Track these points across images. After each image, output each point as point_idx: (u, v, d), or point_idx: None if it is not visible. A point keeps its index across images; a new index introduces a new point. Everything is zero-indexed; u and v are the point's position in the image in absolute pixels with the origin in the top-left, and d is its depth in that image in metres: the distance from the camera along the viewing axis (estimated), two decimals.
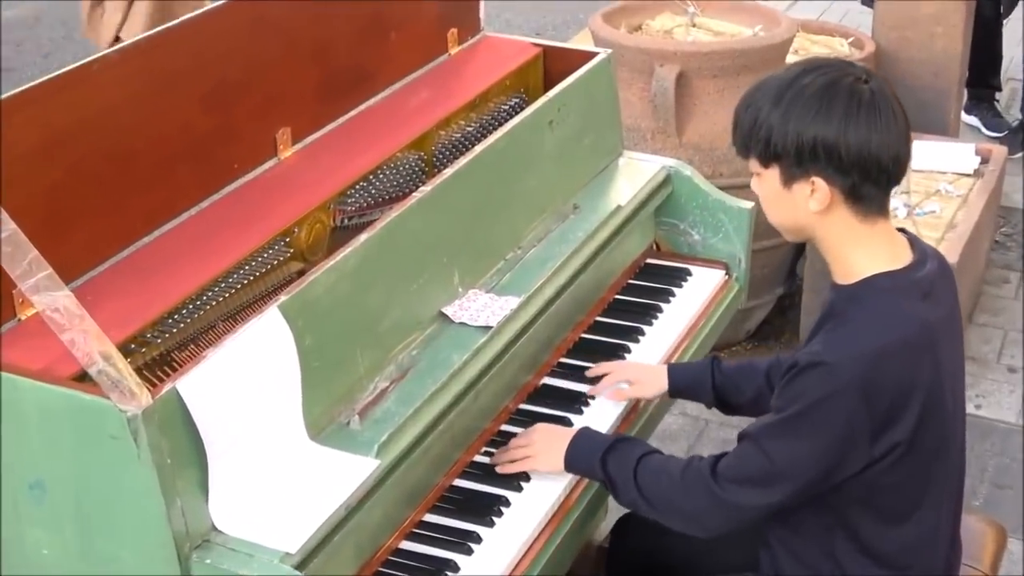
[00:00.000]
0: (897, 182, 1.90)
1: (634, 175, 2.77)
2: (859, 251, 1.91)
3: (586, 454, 2.08)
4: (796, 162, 1.86)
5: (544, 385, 2.37)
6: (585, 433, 2.13)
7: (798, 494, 1.90)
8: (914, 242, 1.97)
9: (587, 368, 2.39)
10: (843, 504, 1.92)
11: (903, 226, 3.94)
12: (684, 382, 2.33)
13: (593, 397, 2.33)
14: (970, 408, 3.72)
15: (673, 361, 2.49)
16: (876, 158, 1.84)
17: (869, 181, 1.86)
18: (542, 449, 2.11)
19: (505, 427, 2.24)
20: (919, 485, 1.93)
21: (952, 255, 3.64)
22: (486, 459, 2.17)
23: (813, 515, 1.95)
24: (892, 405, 1.83)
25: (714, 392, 2.30)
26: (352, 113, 2.56)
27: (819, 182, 1.86)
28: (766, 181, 1.93)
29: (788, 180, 1.89)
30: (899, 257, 1.92)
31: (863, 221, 1.89)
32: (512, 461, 2.12)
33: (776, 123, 1.86)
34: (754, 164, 1.93)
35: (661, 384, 2.32)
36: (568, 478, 2.13)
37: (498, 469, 2.12)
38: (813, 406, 1.84)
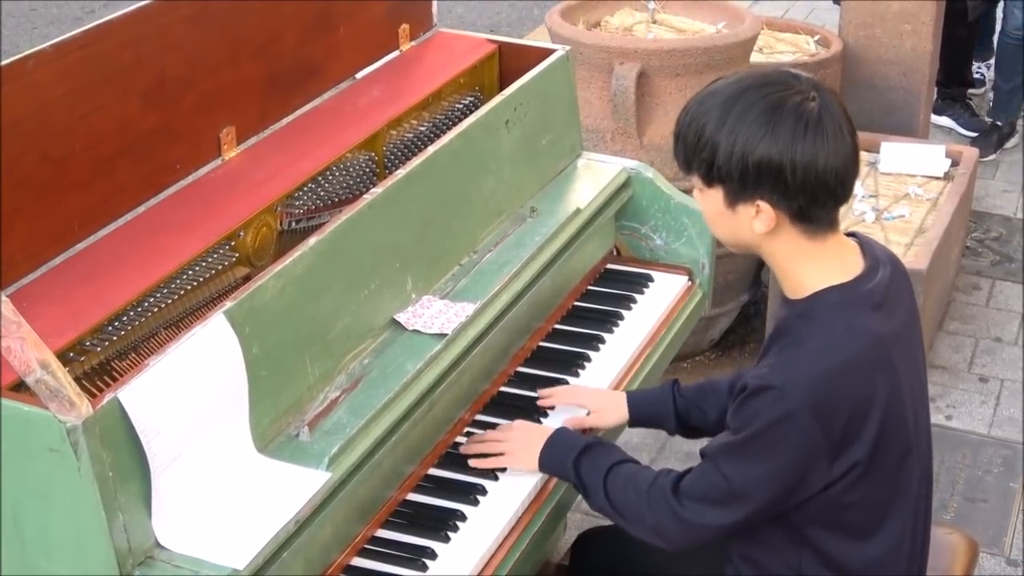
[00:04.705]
0: (845, 201, 1.93)
1: (594, 177, 2.81)
2: (807, 267, 1.94)
3: (560, 456, 2.15)
4: (741, 186, 1.89)
5: (501, 395, 2.40)
6: (561, 435, 2.19)
7: (759, 513, 1.95)
8: (865, 248, 2.00)
9: (545, 377, 2.43)
10: (807, 522, 1.96)
11: (871, 231, 4.02)
12: (644, 411, 2.36)
13: (552, 408, 2.36)
14: (940, 419, 3.80)
15: (635, 370, 2.54)
16: (823, 182, 1.86)
17: (816, 204, 1.89)
18: (518, 447, 2.19)
19: (461, 439, 2.27)
20: (883, 501, 1.97)
21: (921, 261, 3.72)
22: (441, 472, 2.20)
23: (778, 532, 1.99)
24: (848, 424, 1.87)
25: (676, 418, 2.33)
26: (299, 112, 2.58)
27: (764, 205, 1.89)
28: (709, 199, 1.95)
29: (732, 202, 1.92)
30: (849, 268, 1.95)
31: (811, 239, 1.93)
32: (486, 455, 2.19)
33: (720, 145, 1.88)
34: (696, 181, 1.96)
35: (621, 413, 2.35)
36: (526, 490, 2.16)
37: (471, 463, 2.19)
38: (766, 429, 1.88)
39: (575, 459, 2.12)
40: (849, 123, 1.91)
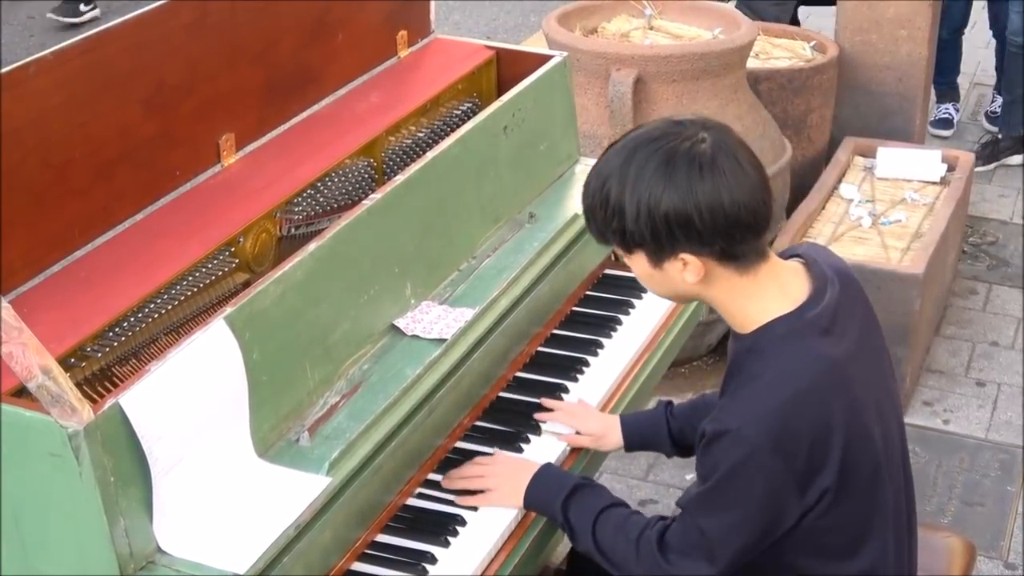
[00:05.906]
0: (765, 230, 1.91)
1: None
2: (750, 302, 1.93)
3: (547, 497, 2.12)
4: (657, 245, 1.89)
5: (500, 400, 2.41)
6: (547, 472, 2.16)
7: (744, 554, 1.94)
8: (811, 267, 1.98)
9: (544, 382, 2.44)
10: (790, 550, 1.96)
11: (868, 236, 4.02)
12: (640, 436, 2.35)
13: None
14: (938, 423, 3.81)
15: (633, 376, 2.54)
16: (735, 219, 1.85)
17: (735, 241, 1.88)
18: (501, 484, 2.15)
19: (460, 444, 2.28)
20: (860, 520, 1.97)
21: (918, 265, 3.73)
22: (440, 477, 2.20)
23: (763, 561, 1.98)
24: (811, 453, 1.86)
25: (671, 440, 2.33)
26: (298, 118, 2.59)
27: (688, 257, 1.88)
28: (635, 263, 1.96)
29: (656, 261, 1.92)
30: (793, 295, 1.93)
31: (744, 274, 1.91)
32: (470, 490, 2.15)
33: (626, 209, 1.87)
34: (617, 249, 1.97)
35: (617, 439, 2.35)
36: None
37: (456, 500, 2.15)
38: (730, 475, 1.88)
39: (563, 501, 2.10)
40: (748, 153, 1.90)
